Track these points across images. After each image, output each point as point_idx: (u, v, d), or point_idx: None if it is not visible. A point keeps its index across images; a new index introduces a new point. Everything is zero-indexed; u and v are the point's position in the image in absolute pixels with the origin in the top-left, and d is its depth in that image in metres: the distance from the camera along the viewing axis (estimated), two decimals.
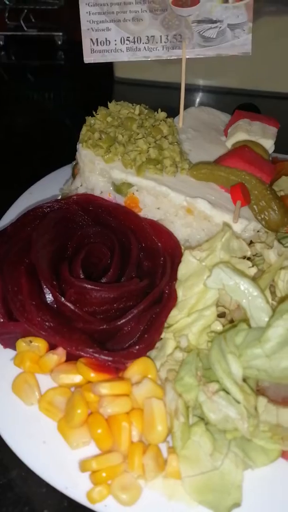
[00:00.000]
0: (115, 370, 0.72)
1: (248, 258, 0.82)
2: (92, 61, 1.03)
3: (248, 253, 0.82)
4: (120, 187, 0.94)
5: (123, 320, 0.75)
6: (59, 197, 1.08)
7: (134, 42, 1.02)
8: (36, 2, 2.44)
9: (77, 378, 0.71)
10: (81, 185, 1.01)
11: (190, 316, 0.77)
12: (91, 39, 1.01)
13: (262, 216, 0.90)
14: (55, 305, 0.76)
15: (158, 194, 0.91)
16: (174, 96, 1.10)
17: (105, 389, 0.67)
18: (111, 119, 1.01)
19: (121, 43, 1.02)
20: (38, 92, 2.18)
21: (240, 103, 1.22)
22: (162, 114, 1.05)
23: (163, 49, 1.03)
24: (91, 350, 0.70)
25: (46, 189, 1.17)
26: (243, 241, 0.82)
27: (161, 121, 1.03)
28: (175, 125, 1.07)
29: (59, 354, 0.72)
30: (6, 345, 0.78)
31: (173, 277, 0.81)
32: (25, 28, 2.47)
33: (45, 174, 1.25)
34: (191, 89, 2.06)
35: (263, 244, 0.86)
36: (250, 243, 0.89)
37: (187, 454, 0.64)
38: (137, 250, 0.85)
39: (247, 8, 1.01)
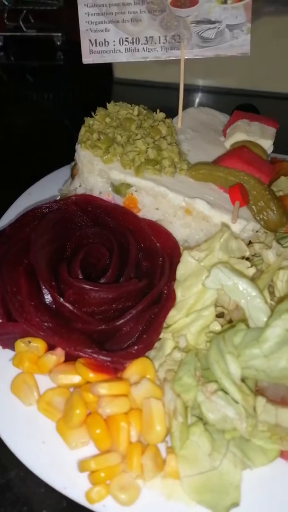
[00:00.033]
0: (114, 371, 0.72)
1: (247, 258, 0.82)
2: (90, 62, 1.03)
3: (247, 253, 0.82)
4: (119, 188, 0.94)
5: (122, 321, 0.75)
6: (58, 198, 1.08)
7: (133, 43, 1.02)
8: (35, 3, 2.45)
9: (76, 379, 0.71)
10: (80, 186, 1.01)
11: (189, 316, 0.77)
12: (90, 40, 1.01)
13: (261, 216, 0.91)
14: (54, 306, 0.76)
15: (156, 194, 0.92)
16: (173, 96, 1.10)
17: (103, 389, 0.67)
18: (109, 119, 1.01)
19: (119, 44, 1.02)
20: (37, 93, 2.18)
21: (239, 103, 1.22)
22: (160, 115, 1.05)
23: (161, 50, 1.03)
24: (89, 350, 0.71)
25: (45, 190, 1.17)
26: (241, 241, 0.82)
27: (159, 121, 1.03)
28: (174, 125, 1.07)
29: (58, 354, 0.72)
30: (5, 346, 0.78)
31: (172, 277, 0.81)
32: (24, 29, 2.47)
33: (44, 175, 1.25)
34: (190, 90, 2.06)
35: (261, 244, 0.86)
36: (249, 243, 0.89)
37: (186, 454, 0.64)
38: (136, 250, 0.86)
39: (245, 9, 1.01)
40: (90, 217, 0.92)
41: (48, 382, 0.72)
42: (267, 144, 1.03)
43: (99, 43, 1.01)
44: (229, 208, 0.90)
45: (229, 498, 0.61)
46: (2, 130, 1.79)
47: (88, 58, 1.03)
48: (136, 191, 0.93)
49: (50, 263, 0.80)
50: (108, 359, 0.70)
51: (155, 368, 0.73)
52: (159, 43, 1.02)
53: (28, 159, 1.54)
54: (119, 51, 1.03)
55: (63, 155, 1.19)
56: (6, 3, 2.42)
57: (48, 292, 0.77)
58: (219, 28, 1.01)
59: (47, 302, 0.77)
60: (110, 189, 0.96)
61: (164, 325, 0.78)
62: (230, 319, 0.76)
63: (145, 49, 1.03)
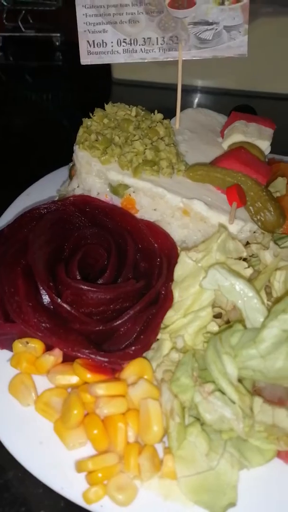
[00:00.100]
0: (112, 371, 0.72)
1: (244, 259, 0.82)
2: (88, 63, 1.03)
3: (244, 254, 0.82)
4: (116, 189, 0.95)
5: (120, 321, 0.75)
6: (56, 198, 1.08)
7: (131, 44, 1.02)
8: (34, 3, 2.44)
9: (74, 379, 0.71)
10: (78, 187, 1.01)
11: (186, 317, 0.77)
12: (88, 41, 1.01)
13: (258, 217, 0.91)
14: (52, 306, 0.77)
15: (154, 195, 0.92)
16: (172, 97, 1.10)
17: (101, 390, 0.67)
18: (107, 120, 1.01)
19: (117, 45, 1.02)
20: (36, 93, 2.18)
21: (238, 104, 1.22)
22: (158, 116, 1.06)
23: (159, 51, 1.04)
24: (87, 351, 0.71)
25: (44, 190, 1.17)
26: (239, 242, 0.82)
27: (157, 122, 1.03)
28: (172, 126, 1.07)
29: (56, 355, 0.73)
30: (2, 346, 0.78)
31: (170, 278, 0.81)
32: (23, 29, 2.47)
33: (42, 175, 1.25)
34: (189, 90, 2.06)
35: (259, 245, 0.86)
36: (246, 244, 0.89)
37: (183, 455, 0.64)
38: (133, 251, 0.86)
39: (243, 10, 1.01)
40: (88, 217, 0.92)
41: (46, 383, 0.73)
42: (265, 145, 1.03)
43: (97, 44, 1.02)
44: (226, 209, 0.90)
45: (226, 498, 0.61)
46: (1, 130, 1.79)
47: (86, 59, 1.03)
48: (134, 192, 0.94)
49: (48, 263, 0.81)
50: (106, 359, 0.71)
51: (152, 368, 0.73)
52: (157, 44, 1.03)
53: (27, 160, 1.54)
54: (117, 52, 1.03)
55: (61, 156, 1.19)
56: (5, 3, 2.42)
57: (46, 293, 0.77)
58: (216, 29, 1.02)
59: (45, 303, 0.77)
60: (108, 190, 0.97)
61: (162, 325, 0.78)
62: (228, 319, 0.77)
63: (143, 50, 1.03)
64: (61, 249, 0.85)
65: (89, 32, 1.01)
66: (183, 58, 1.05)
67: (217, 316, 0.78)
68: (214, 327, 0.76)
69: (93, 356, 0.70)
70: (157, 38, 1.02)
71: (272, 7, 1.84)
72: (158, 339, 0.78)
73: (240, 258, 0.81)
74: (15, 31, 2.49)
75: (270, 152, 1.06)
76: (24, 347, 0.74)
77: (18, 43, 2.55)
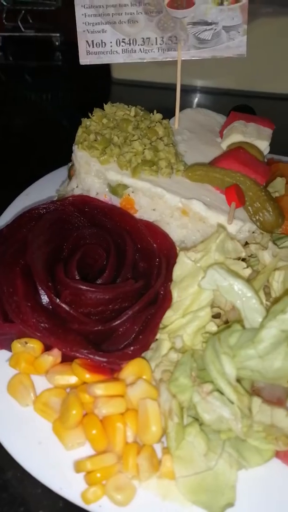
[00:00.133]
0: (110, 371, 0.72)
1: (243, 259, 0.82)
2: (87, 63, 1.03)
3: (243, 254, 0.82)
4: (115, 189, 0.95)
5: (118, 321, 0.75)
6: (55, 199, 1.08)
7: (130, 44, 1.02)
8: (34, 3, 2.44)
9: (72, 379, 0.71)
10: (77, 187, 1.01)
11: (185, 317, 0.77)
12: (87, 41, 1.01)
13: (257, 217, 0.91)
14: (50, 306, 0.77)
15: (153, 195, 0.92)
16: (172, 97, 1.10)
17: (100, 390, 0.67)
18: (106, 120, 1.01)
19: (116, 45, 1.02)
20: (35, 93, 2.18)
21: (237, 104, 1.22)
22: (157, 116, 1.06)
23: (158, 51, 1.04)
24: (86, 351, 0.71)
25: (43, 190, 1.17)
26: (237, 242, 0.82)
27: (156, 122, 1.03)
28: (171, 126, 1.07)
29: (54, 355, 0.73)
30: (1, 346, 0.78)
31: (168, 278, 0.81)
32: (22, 29, 2.47)
33: (42, 175, 1.25)
34: (188, 90, 2.06)
35: (257, 245, 0.86)
36: (245, 244, 0.89)
37: (181, 455, 0.64)
38: (132, 251, 0.86)
39: (242, 10, 1.01)
40: (87, 217, 0.92)
41: (45, 383, 0.73)
42: (264, 145, 1.03)
43: (96, 44, 1.02)
44: (225, 209, 0.90)
45: (224, 498, 0.61)
46: (0, 130, 1.79)
47: (85, 59, 1.03)
48: (133, 192, 0.94)
49: (47, 263, 0.81)
50: (104, 359, 0.71)
51: (151, 368, 0.73)
52: (156, 44, 1.03)
53: (26, 159, 1.54)
54: (116, 52, 1.03)
55: (61, 156, 1.19)
56: (5, 3, 2.42)
57: (44, 293, 0.77)
58: (215, 29, 1.02)
59: (43, 303, 0.77)
60: (107, 190, 0.97)
61: (161, 325, 0.78)
62: (227, 319, 0.77)
63: (142, 50, 1.03)
64: (60, 249, 0.85)
65: (88, 32, 1.01)
66: (182, 58, 1.05)
67: (216, 316, 0.78)
68: (212, 327, 0.76)
69: (91, 356, 0.71)
70: (156, 38, 1.02)
71: (271, 7, 1.84)
72: (157, 339, 0.78)
73: (239, 258, 0.81)
74: (14, 31, 2.49)
75: (269, 152, 1.06)
76: (23, 347, 0.74)
77: (18, 43, 2.55)
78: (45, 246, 0.83)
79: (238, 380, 0.67)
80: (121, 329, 0.76)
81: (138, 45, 1.02)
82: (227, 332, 0.70)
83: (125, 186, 0.94)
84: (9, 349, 0.76)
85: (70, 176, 1.07)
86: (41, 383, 0.73)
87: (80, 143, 0.98)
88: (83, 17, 0.99)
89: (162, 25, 1.01)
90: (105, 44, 1.02)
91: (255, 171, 0.94)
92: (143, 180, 0.92)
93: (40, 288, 0.77)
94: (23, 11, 2.45)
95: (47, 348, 0.74)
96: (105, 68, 2.16)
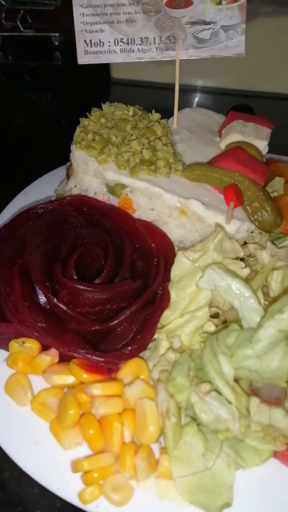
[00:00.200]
0: (108, 371, 0.72)
1: (241, 259, 0.82)
2: (86, 63, 1.03)
3: (241, 254, 0.82)
4: (113, 188, 0.94)
5: (116, 321, 0.75)
6: (54, 198, 1.08)
7: (128, 43, 1.02)
8: (33, 3, 2.44)
9: (70, 379, 0.71)
10: (75, 186, 1.01)
11: (183, 316, 0.77)
12: (85, 41, 1.01)
13: (255, 217, 0.91)
14: (48, 306, 0.77)
15: (151, 195, 0.92)
16: (171, 96, 1.10)
17: (97, 389, 0.67)
18: (104, 120, 1.01)
19: (114, 44, 1.02)
20: (34, 93, 2.18)
21: (236, 103, 1.22)
22: (156, 115, 1.05)
23: (156, 51, 1.04)
24: (83, 351, 0.71)
25: (41, 190, 1.17)
26: (235, 242, 0.82)
27: (155, 122, 1.03)
28: (169, 126, 1.07)
29: (52, 355, 0.72)
30: None
31: (166, 278, 0.81)
32: (21, 29, 2.47)
33: (40, 175, 1.25)
34: (188, 90, 2.06)
35: (256, 245, 0.86)
36: (244, 244, 0.89)
37: (179, 455, 0.64)
38: (130, 251, 0.86)
39: (240, 10, 1.01)
40: (85, 217, 0.92)
41: (42, 383, 0.73)
42: (262, 145, 1.03)
43: (94, 43, 1.02)
44: (223, 208, 0.90)
45: (222, 498, 0.61)
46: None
47: (83, 58, 1.03)
48: (131, 191, 0.93)
49: (45, 263, 0.80)
50: (102, 359, 0.71)
51: (149, 368, 0.73)
52: (154, 43, 1.03)
53: (25, 159, 1.54)
54: (114, 51, 1.03)
55: (59, 155, 1.19)
56: (4, 3, 2.41)
57: (42, 293, 0.77)
58: (214, 29, 1.02)
59: (41, 303, 0.77)
60: (105, 189, 0.96)
61: (159, 325, 0.78)
62: (225, 319, 0.76)
63: (140, 49, 1.03)
64: (58, 248, 0.85)
65: (86, 32, 1.01)
66: (181, 58, 1.05)
67: (214, 316, 0.78)
68: (210, 327, 0.75)
69: (89, 356, 0.70)
70: (154, 37, 1.02)
71: (270, 7, 1.84)
72: (154, 339, 0.78)
73: (237, 258, 0.81)
74: (14, 30, 2.49)
75: (268, 152, 1.06)
76: (20, 347, 0.74)
77: (17, 43, 2.55)
78: (42, 246, 0.83)
79: (236, 380, 0.67)
80: (119, 329, 0.76)
81: (136, 44, 1.02)
82: (225, 332, 0.69)
83: (123, 186, 0.93)
84: (7, 348, 0.76)
85: (68, 176, 1.07)
86: (38, 383, 0.73)
87: (78, 143, 0.98)
88: (81, 17, 0.99)
89: (160, 24, 1.01)
90: (103, 44, 1.02)
91: (253, 171, 0.94)
92: (141, 179, 0.92)
93: (37, 288, 0.77)
94: (22, 11, 2.44)
95: (45, 348, 0.74)
96: (104, 68, 2.16)
